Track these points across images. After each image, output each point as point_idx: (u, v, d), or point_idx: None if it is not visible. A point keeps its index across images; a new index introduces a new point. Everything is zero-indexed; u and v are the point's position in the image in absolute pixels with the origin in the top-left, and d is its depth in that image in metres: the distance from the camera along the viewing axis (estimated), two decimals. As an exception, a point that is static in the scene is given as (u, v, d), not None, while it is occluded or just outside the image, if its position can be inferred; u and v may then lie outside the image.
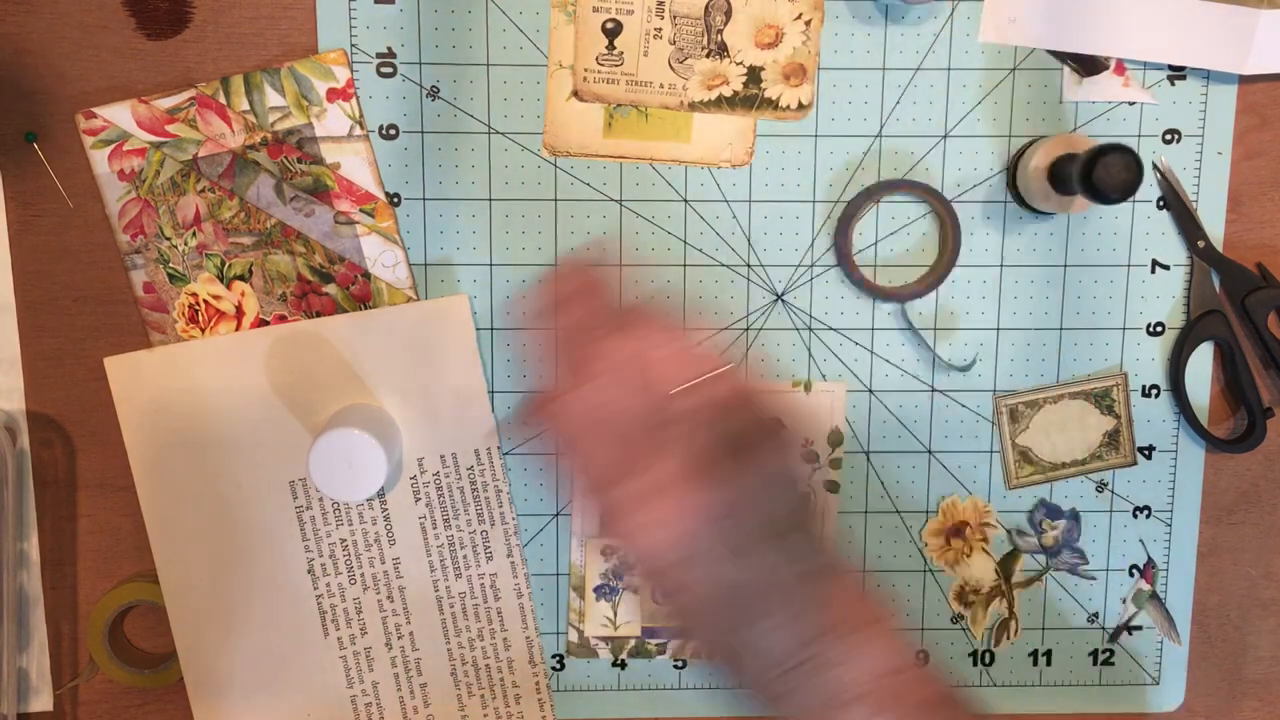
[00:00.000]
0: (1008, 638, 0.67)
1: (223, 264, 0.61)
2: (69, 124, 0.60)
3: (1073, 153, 0.59)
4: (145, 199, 0.61)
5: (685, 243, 0.63)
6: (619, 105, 0.61)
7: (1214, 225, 0.64)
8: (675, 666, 0.67)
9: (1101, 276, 0.64)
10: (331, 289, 0.62)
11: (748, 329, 0.64)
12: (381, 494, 0.63)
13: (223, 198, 0.61)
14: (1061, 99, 0.62)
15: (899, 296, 0.63)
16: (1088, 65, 0.62)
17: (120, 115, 0.60)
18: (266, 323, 0.62)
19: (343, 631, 0.64)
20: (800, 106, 0.62)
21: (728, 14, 0.60)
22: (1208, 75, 0.62)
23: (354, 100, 0.60)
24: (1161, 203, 0.64)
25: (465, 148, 0.62)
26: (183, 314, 0.62)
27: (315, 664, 0.64)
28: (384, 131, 0.61)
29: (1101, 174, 0.54)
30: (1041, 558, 0.67)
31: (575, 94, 0.61)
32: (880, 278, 0.64)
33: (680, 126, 0.62)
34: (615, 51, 0.61)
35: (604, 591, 0.65)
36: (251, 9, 0.60)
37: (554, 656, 0.66)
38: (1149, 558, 0.67)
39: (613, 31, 0.60)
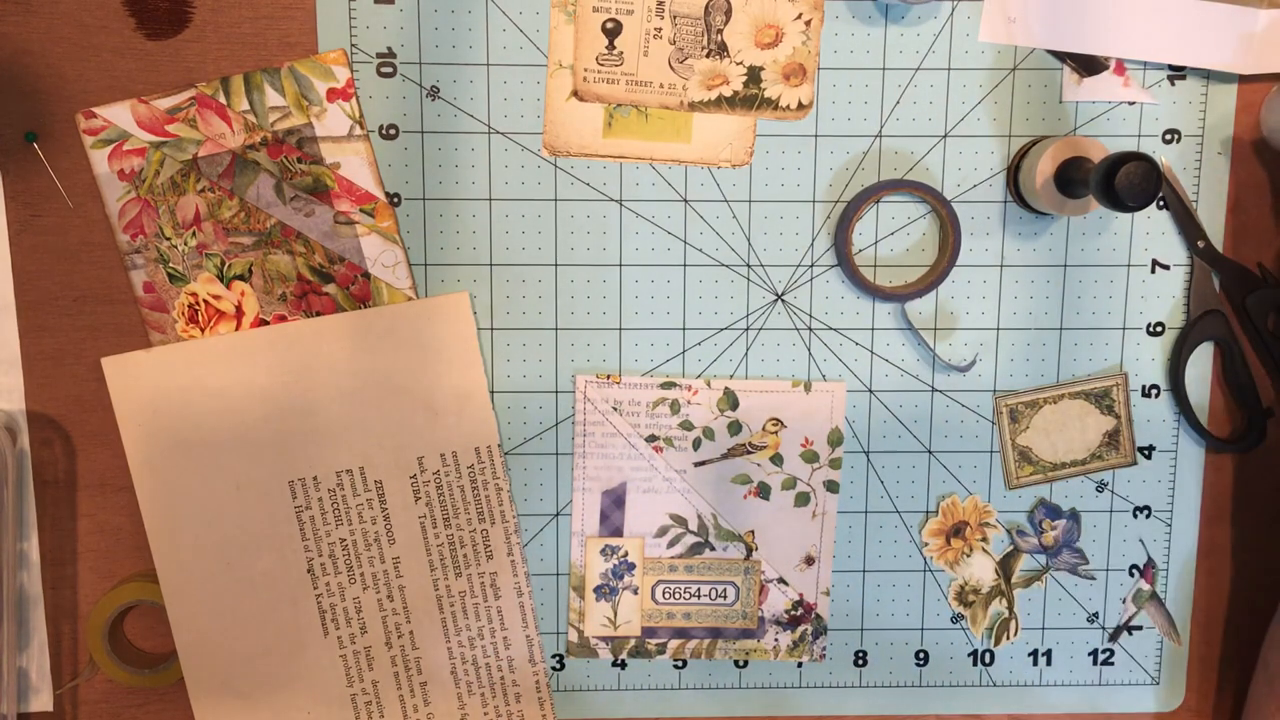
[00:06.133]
0: (1008, 638, 0.67)
1: (223, 264, 0.61)
2: (69, 124, 0.60)
3: (1080, 156, 0.59)
4: (145, 199, 0.61)
5: (685, 243, 0.63)
6: (619, 105, 0.61)
7: (1214, 225, 0.64)
8: (675, 666, 0.67)
9: (1101, 276, 0.64)
10: (331, 289, 0.62)
11: (748, 329, 0.64)
12: (382, 493, 0.63)
13: (223, 198, 0.61)
14: (1061, 99, 0.62)
15: (899, 296, 0.63)
16: (1088, 65, 0.62)
17: (120, 115, 0.60)
18: (266, 323, 0.62)
19: (343, 631, 0.64)
20: (800, 106, 0.62)
21: (728, 14, 0.60)
22: (1208, 75, 0.63)
23: (354, 100, 0.61)
24: (1161, 203, 0.64)
25: (465, 148, 0.62)
26: (183, 314, 0.62)
27: (315, 663, 0.64)
28: (384, 131, 0.61)
29: (1123, 183, 0.54)
30: (1041, 558, 0.67)
31: (575, 94, 0.61)
32: (880, 278, 0.64)
33: (680, 126, 0.62)
34: (615, 51, 0.61)
35: (604, 591, 0.65)
36: (251, 9, 0.60)
37: (554, 656, 0.66)
38: (1149, 558, 0.67)
39: (613, 31, 0.60)
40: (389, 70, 0.61)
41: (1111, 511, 0.66)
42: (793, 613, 0.66)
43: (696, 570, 0.66)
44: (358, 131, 0.61)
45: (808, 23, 0.61)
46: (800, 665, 0.67)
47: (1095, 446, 0.66)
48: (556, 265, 0.63)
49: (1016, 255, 0.64)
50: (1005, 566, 0.67)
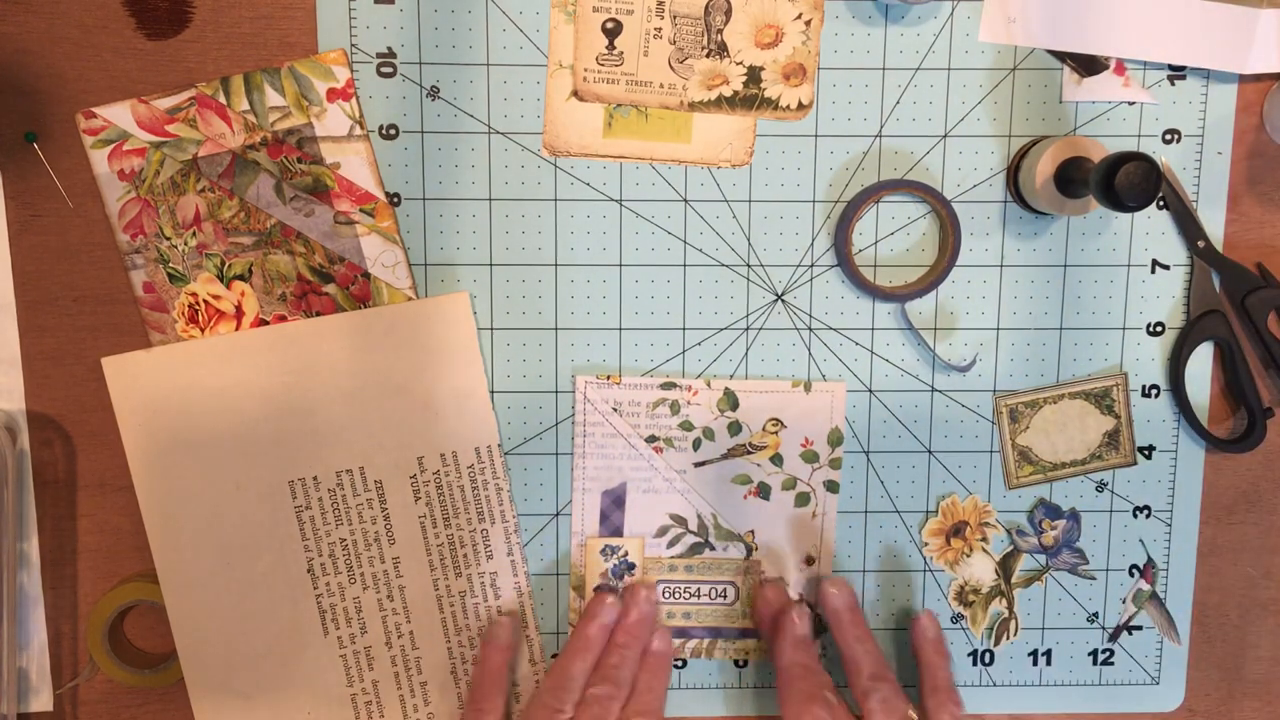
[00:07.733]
0: (1008, 638, 0.67)
1: (223, 264, 0.61)
2: (69, 124, 0.60)
3: (1080, 156, 0.59)
4: (145, 199, 0.61)
5: (685, 243, 0.63)
6: (619, 105, 0.61)
7: (1214, 225, 0.64)
8: (675, 666, 0.67)
9: (1101, 276, 0.64)
10: (331, 289, 0.62)
11: (748, 329, 0.64)
12: (383, 493, 0.63)
13: (223, 198, 0.61)
14: (1061, 99, 0.62)
15: (899, 296, 0.63)
16: (1088, 65, 0.62)
17: (120, 115, 0.60)
18: (266, 322, 0.62)
19: (343, 631, 0.64)
20: (800, 106, 0.62)
21: (728, 14, 0.60)
22: (1208, 75, 0.63)
23: (354, 100, 0.61)
24: (1161, 203, 0.64)
25: (465, 148, 0.62)
26: (182, 314, 0.62)
27: (315, 663, 0.64)
28: (384, 131, 0.61)
29: (1123, 182, 0.54)
30: (1041, 557, 0.67)
31: (575, 94, 0.61)
32: (880, 278, 0.64)
33: (680, 126, 0.62)
34: (615, 51, 0.61)
35: (604, 592, 0.65)
36: (251, 9, 0.60)
37: (554, 656, 0.66)
38: (1149, 558, 0.67)
39: (613, 31, 0.60)
40: (389, 70, 0.61)
41: (1111, 511, 0.66)
42: (793, 613, 0.66)
43: (696, 570, 0.66)
44: (358, 131, 0.61)
45: (808, 23, 0.61)
46: (800, 665, 0.67)
47: (1095, 446, 0.66)
48: (556, 265, 0.63)
49: (1016, 255, 0.64)
50: (1005, 566, 0.67)
